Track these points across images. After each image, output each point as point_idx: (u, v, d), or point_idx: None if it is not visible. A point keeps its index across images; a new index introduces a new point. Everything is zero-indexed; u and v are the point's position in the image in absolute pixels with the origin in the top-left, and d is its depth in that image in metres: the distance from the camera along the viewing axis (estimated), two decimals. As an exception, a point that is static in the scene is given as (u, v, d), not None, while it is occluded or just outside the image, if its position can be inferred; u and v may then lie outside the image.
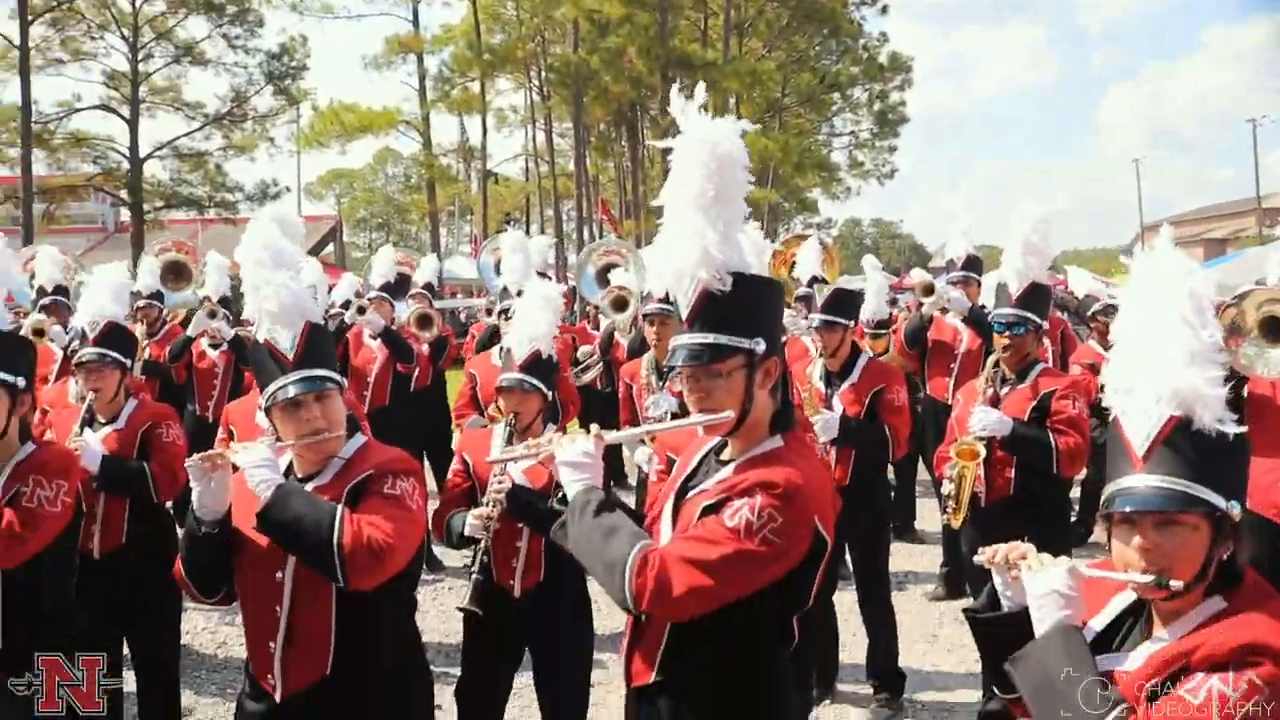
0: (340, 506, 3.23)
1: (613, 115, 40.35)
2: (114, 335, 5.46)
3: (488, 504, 4.57)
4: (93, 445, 5.21)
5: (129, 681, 5.54)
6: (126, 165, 39.36)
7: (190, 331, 9.48)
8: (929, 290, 9.24)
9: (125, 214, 45.63)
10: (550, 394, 5.03)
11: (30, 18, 36.05)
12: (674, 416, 6.04)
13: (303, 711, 3.40)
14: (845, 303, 6.64)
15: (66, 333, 8.55)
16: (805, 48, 45.56)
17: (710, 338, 2.96)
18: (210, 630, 7.66)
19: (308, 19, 42.49)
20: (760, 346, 2.97)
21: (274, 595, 3.40)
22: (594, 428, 3.17)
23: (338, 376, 3.51)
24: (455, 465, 5.07)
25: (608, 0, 35.63)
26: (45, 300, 9.40)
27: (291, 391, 3.40)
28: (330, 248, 60.43)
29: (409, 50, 40.69)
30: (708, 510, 2.90)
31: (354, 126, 40.95)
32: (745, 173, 3.08)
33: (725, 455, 3.09)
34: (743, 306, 2.99)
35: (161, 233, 40.36)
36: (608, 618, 5.75)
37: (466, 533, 4.60)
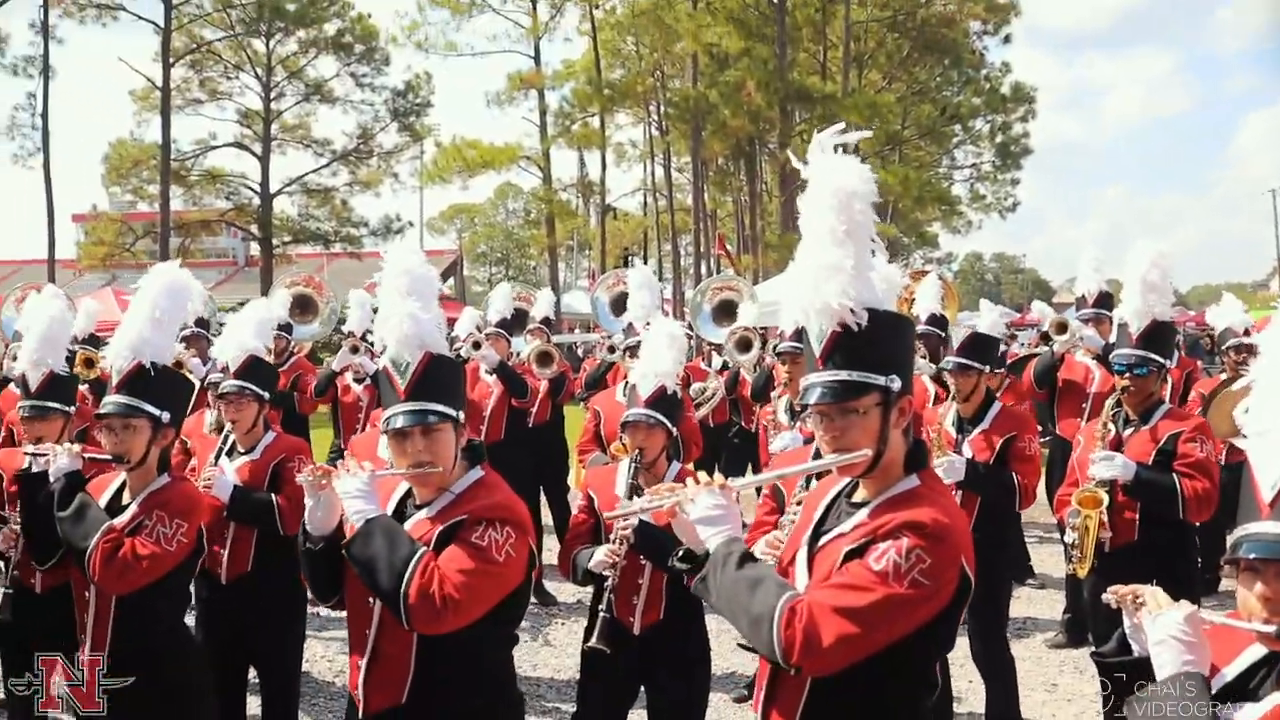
0: (419, 555, 3.22)
1: (731, 149, 40.26)
2: (255, 369, 5.60)
3: (615, 541, 4.57)
4: (227, 475, 5.37)
5: (252, 705, 5.65)
6: (257, 201, 40.70)
7: (335, 366, 9.68)
8: (1062, 328, 9.01)
9: (255, 248, 47.08)
10: (675, 430, 5.00)
11: (172, 60, 37.55)
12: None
13: None
14: (982, 346, 6.47)
15: (204, 365, 8.81)
16: (926, 79, 44.99)
17: (845, 375, 2.89)
18: (328, 659, 7.76)
19: (432, 57, 43.41)
20: (895, 384, 2.90)
21: (365, 616, 3.45)
22: (718, 477, 3.08)
23: (450, 411, 3.47)
24: (580, 502, 5.09)
25: (727, 34, 35.74)
26: (186, 332, 9.66)
27: (398, 422, 3.42)
28: (451, 282, 61.49)
29: (530, 86, 41.32)
30: (851, 555, 2.81)
31: (476, 162, 41.74)
32: (873, 208, 3.01)
33: (857, 498, 3.00)
34: (877, 343, 2.92)
35: (289, 267, 41.62)
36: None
37: (592, 568, 4.60)
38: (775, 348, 6.93)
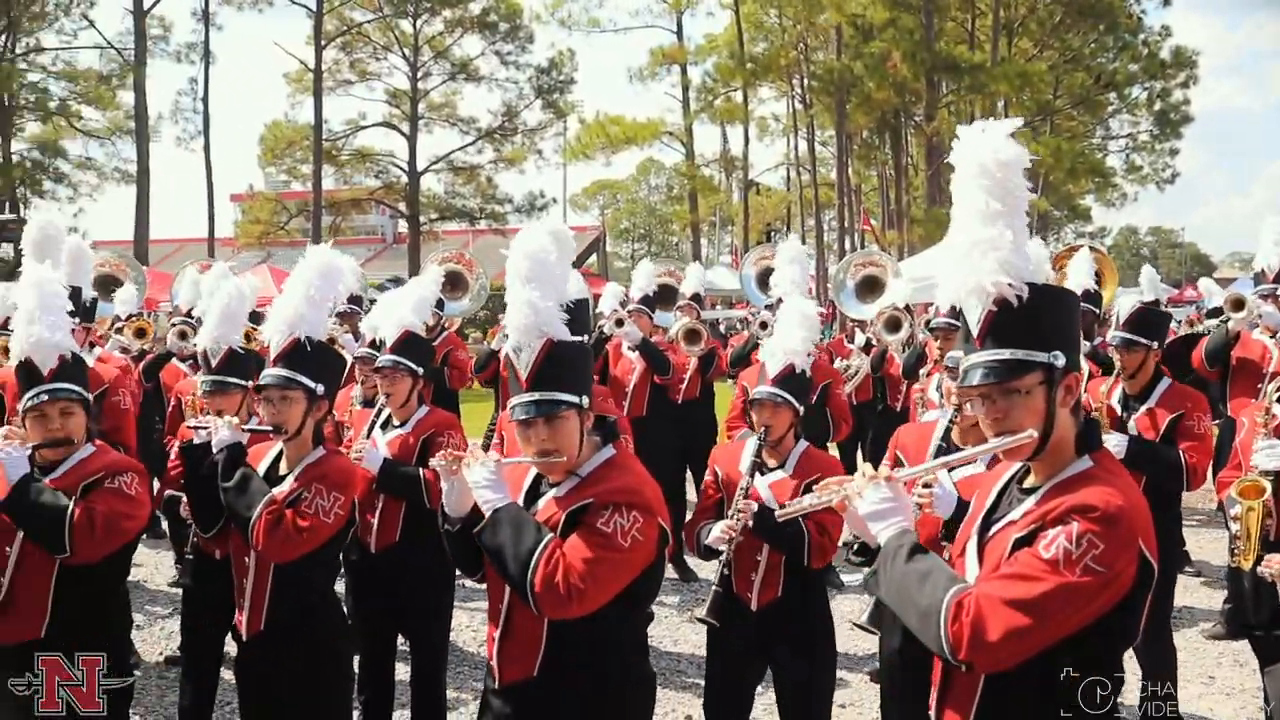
0: (544, 544, 3.25)
1: (876, 122, 39.68)
2: (410, 344, 5.71)
3: (733, 518, 4.60)
4: (379, 448, 5.50)
5: (399, 671, 5.78)
6: (405, 179, 41.56)
7: (493, 345, 9.79)
8: (1239, 304, 8.60)
9: (402, 225, 48.13)
10: (801, 409, 4.95)
11: (323, 43, 38.58)
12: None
13: (515, 703, 3.47)
14: (1151, 321, 6.19)
15: (356, 340, 9.02)
16: (1079, 46, 43.29)
17: (1006, 353, 2.78)
18: (473, 629, 7.89)
19: (575, 34, 43.80)
20: (1059, 360, 2.77)
21: (500, 590, 3.50)
22: (884, 468, 3.02)
23: (573, 398, 3.43)
24: (708, 477, 5.10)
25: (871, 4, 35.09)
26: (339, 309, 9.86)
27: (520, 413, 3.43)
28: (594, 258, 61.96)
29: (673, 62, 41.39)
30: (1019, 544, 2.70)
31: (619, 138, 42.00)
32: (1025, 179, 2.90)
33: (1028, 483, 2.88)
34: (1038, 319, 2.79)
35: (436, 244, 42.48)
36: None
37: (709, 544, 4.63)
38: (929, 323, 6.78)
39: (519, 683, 3.47)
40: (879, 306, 11.15)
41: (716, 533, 4.58)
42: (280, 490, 4.04)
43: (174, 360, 9.01)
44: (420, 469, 5.44)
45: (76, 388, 4.20)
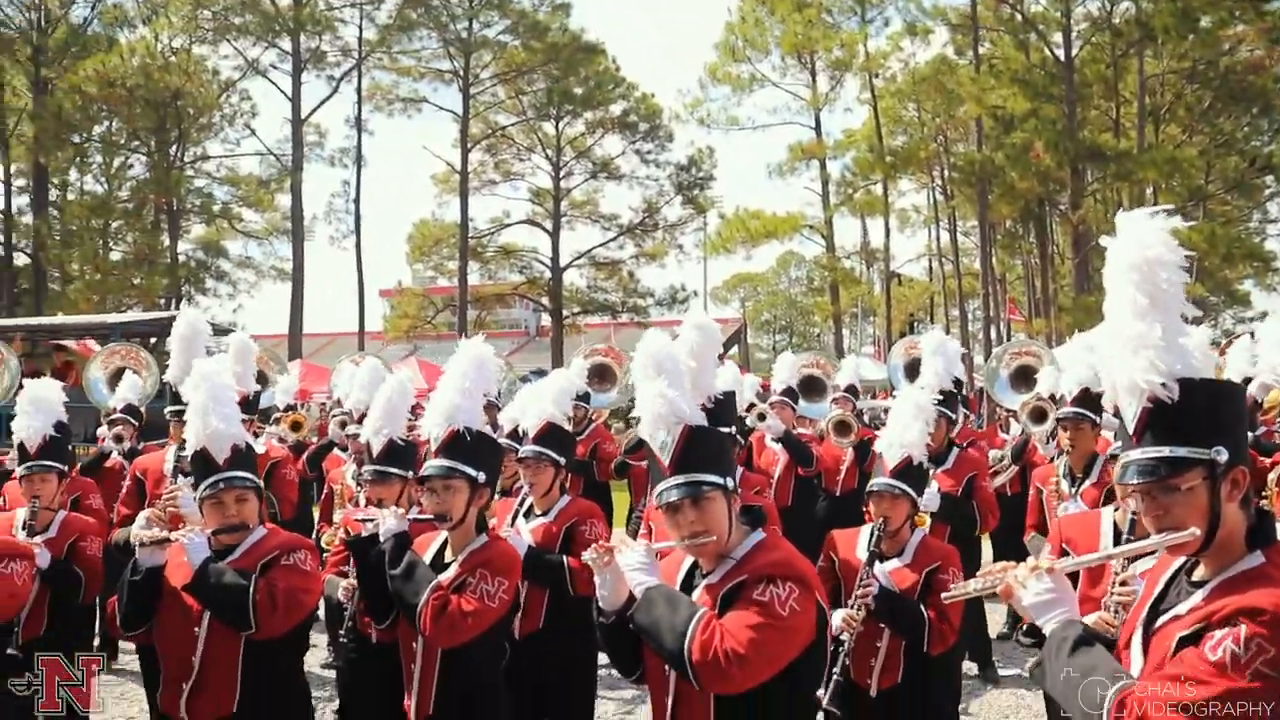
0: (700, 614, 3.26)
1: (1020, 211, 39.13)
2: (552, 434, 5.82)
3: (853, 606, 4.62)
4: (523, 536, 5.58)
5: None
6: (548, 274, 42.40)
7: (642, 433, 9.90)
8: None
9: (545, 319, 48.98)
10: (919, 501, 4.99)
11: (469, 145, 39.93)
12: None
13: None
14: None
15: (495, 431, 9.22)
16: (1231, 129, 42.20)
17: (1164, 451, 2.74)
18: (619, 717, 7.87)
19: (714, 132, 44.37)
20: (1222, 455, 2.71)
21: (663, 686, 3.50)
22: (1044, 559, 3.01)
23: (718, 479, 3.48)
24: (822, 562, 5.08)
25: (1011, 96, 34.79)
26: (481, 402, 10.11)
27: (667, 497, 3.47)
28: (735, 350, 62.06)
29: (812, 156, 41.58)
30: (1184, 642, 2.64)
31: (759, 232, 42.24)
32: (1181, 272, 2.87)
33: (1197, 575, 2.82)
34: (1197, 414, 2.75)
35: (578, 337, 43.13)
36: None
37: (833, 633, 4.55)
38: (1058, 414, 6.69)
39: None
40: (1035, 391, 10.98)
41: (837, 621, 4.55)
42: (445, 576, 4.16)
43: (335, 449, 9.31)
44: (564, 556, 5.51)
45: (250, 475, 4.40)
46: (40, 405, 6.02)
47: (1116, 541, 4.49)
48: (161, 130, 36.47)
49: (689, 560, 3.61)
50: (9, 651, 5.07)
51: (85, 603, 6.37)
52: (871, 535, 4.86)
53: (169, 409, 6.51)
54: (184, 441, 5.91)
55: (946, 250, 46.21)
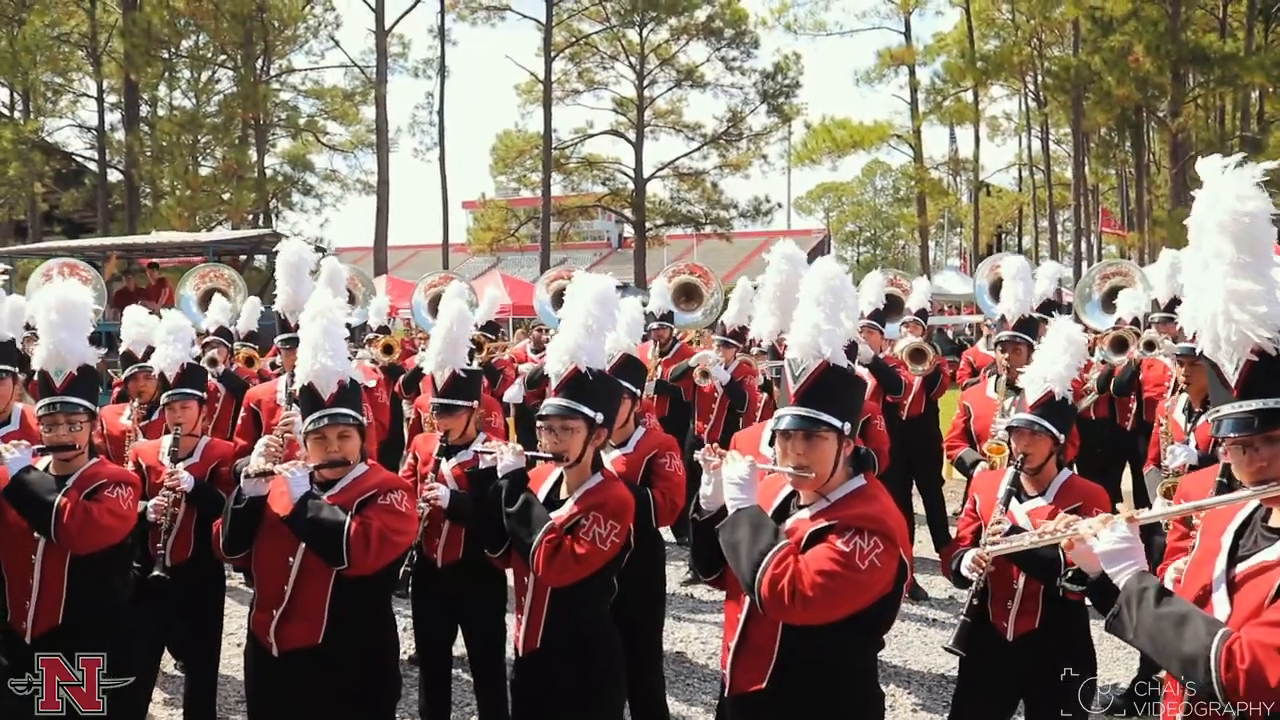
0: (778, 547, 3.35)
1: (1115, 119, 37.96)
2: (626, 366, 5.78)
3: (984, 547, 4.47)
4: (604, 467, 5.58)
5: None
6: (631, 185, 42.24)
7: (691, 362, 9.88)
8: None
9: (628, 230, 48.97)
10: (1061, 437, 4.80)
11: (553, 54, 39.65)
12: (1192, 468, 5.64)
13: (746, 712, 3.62)
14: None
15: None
16: (1348, 31, 40.47)
17: (1271, 402, 2.75)
18: (702, 641, 7.92)
19: (801, 37, 43.62)
20: None
21: (739, 601, 3.63)
22: (1123, 509, 3.02)
23: (836, 422, 3.51)
24: (967, 505, 5.05)
25: (1112, -4, 33.60)
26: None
27: (783, 423, 3.54)
28: (818, 261, 61.60)
29: (901, 63, 40.79)
30: None
31: (845, 142, 41.70)
32: (1273, 225, 2.82)
33: (1275, 522, 2.84)
34: None
35: (660, 249, 43.07)
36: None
37: (963, 572, 4.56)
38: (1176, 347, 6.52)
39: (750, 693, 3.58)
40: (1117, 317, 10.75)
41: (968, 560, 4.51)
42: (560, 515, 4.20)
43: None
44: (647, 489, 5.51)
45: (353, 413, 4.48)
46: (177, 335, 6.18)
47: (1224, 487, 4.39)
48: (248, 44, 36.67)
49: (788, 486, 3.67)
50: (156, 573, 5.27)
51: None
52: (1010, 474, 4.76)
53: (278, 338, 6.64)
54: (295, 370, 6.09)
55: (1037, 159, 45.25)
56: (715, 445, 3.78)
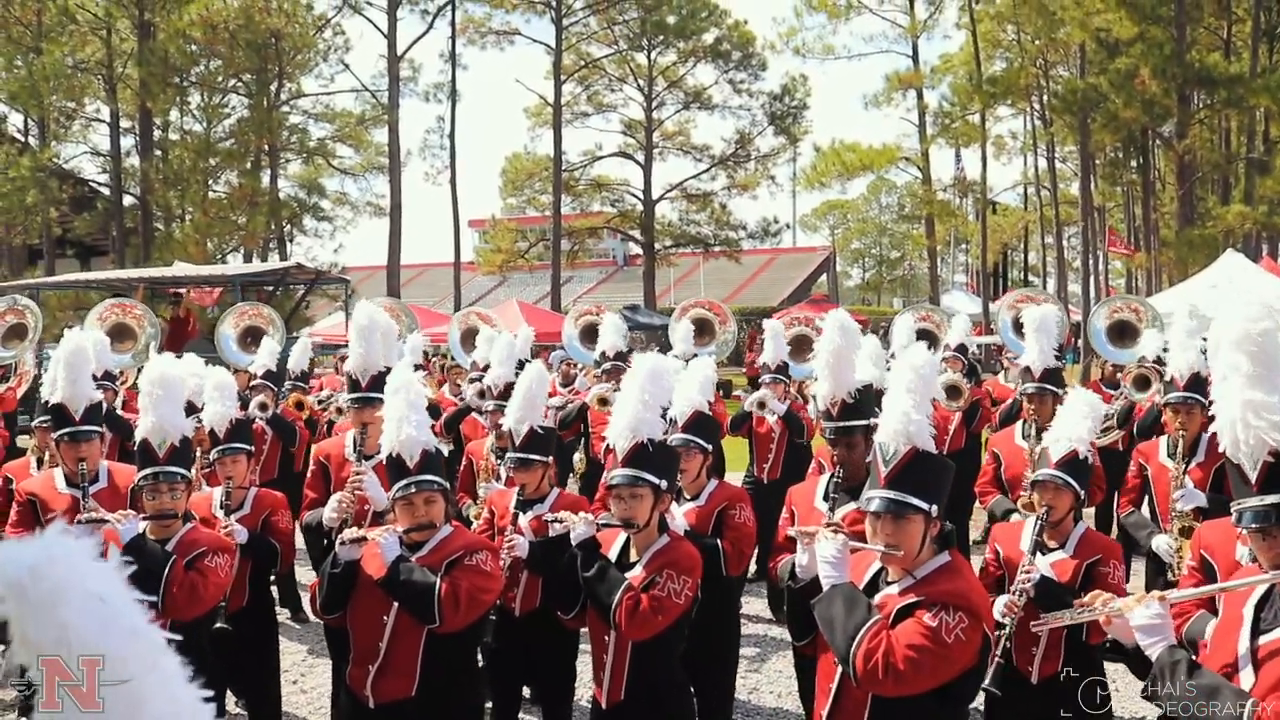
0: (872, 622, 3.62)
1: (1122, 140, 38.23)
2: (700, 423, 6.11)
3: (1015, 593, 4.82)
4: (677, 519, 5.84)
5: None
6: (640, 206, 42.51)
7: (746, 406, 10.07)
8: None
9: (632, 247, 49.20)
10: (1082, 494, 5.13)
11: (562, 77, 39.96)
12: (1204, 514, 5.93)
13: None
14: (1204, 381, 6.34)
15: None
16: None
17: None
18: (771, 685, 8.17)
19: (809, 60, 43.89)
20: None
21: (830, 666, 3.90)
22: (1155, 592, 3.37)
23: (924, 505, 3.77)
24: (988, 554, 5.36)
25: (1117, 19, 33.76)
26: (606, 365, 10.35)
27: (873, 505, 3.80)
28: (823, 279, 61.79)
29: (909, 86, 41.02)
30: None
31: (855, 165, 41.98)
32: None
33: None
34: None
35: (669, 269, 43.35)
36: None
37: (996, 617, 4.78)
38: (1164, 397, 6.83)
39: None
40: (1132, 356, 10.99)
41: (1000, 606, 4.78)
42: (635, 576, 4.49)
43: (471, 413, 9.59)
44: (717, 540, 5.82)
45: (438, 479, 4.79)
46: (224, 391, 6.49)
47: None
48: (261, 71, 36.98)
49: (877, 561, 3.93)
50: (219, 625, 5.58)
51: (282, 572, 6.96)
52: (1034, 526, 5.06)
53: (347, 396, 6.94)
54: (364, 426, 6.39)
55: (1043, 177, 45.46)
56: (806, 527, 4.12)
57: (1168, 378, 6.97)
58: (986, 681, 4.77)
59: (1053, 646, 4.94)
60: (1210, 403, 6.33)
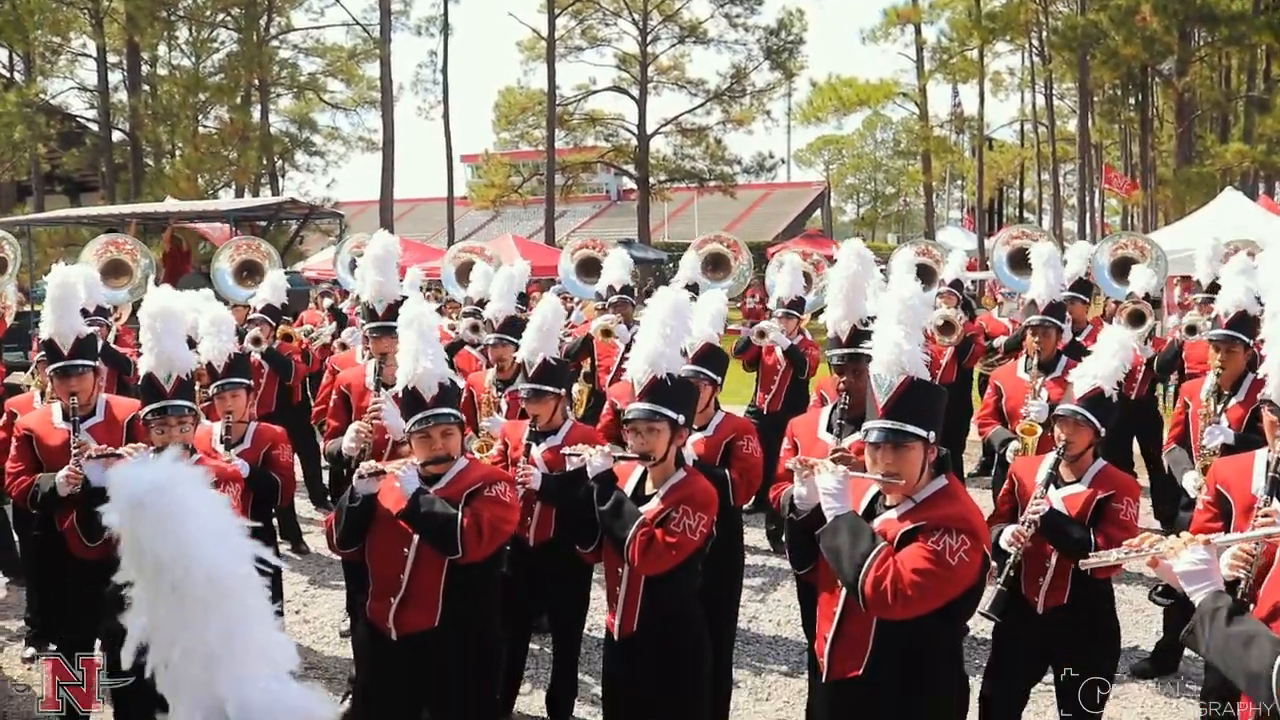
0: (878, 550, 3.67)
1: (1121, 77, 37.90)
2: (710, 355, 6.09)
3: (1024, 524, 4.88)
4: (688, 450, 5.80)
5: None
6: (634, 141, 42.19)
7: (746, 334, 10.06)
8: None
9: (626, 182, 48.93)
10: (1102, 430, 5.11)
11: (556, 11, 39.49)
12: (1226, 450, 5.93)
13: (843, 698, 3.94)
14: (1248, 320, 6.36)
15: (629, 329, 9.46)
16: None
17: None
18: (769, 613, 8.25)
19: (806, -6, 43.59)
20: None
21: (835, 596, 3.94)
22: (1184, 535, 3.33)
23: (921, 432, 3.83)
24: (1005, 485, 5.38)
25: (1118, -47, 33.43)
26: (614, 299, 10.27)
27: (873, 436, 3.87)
28: (818, 215, 61.58)
29: (907, 21, 40.60)
30: None
31: (851, 101, 41.70)
32: None
33: None
34: None
35: (663, 204, 43.12)
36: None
37: (1002, 546, 4.89)
38: (1214, 332, 6.76)
39: (848, 679, 3.90)
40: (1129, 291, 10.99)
41: (1007, 535, 4.86)
42: (649, 510, 4.49)
43: (465, 347, 9.54)
44: (725, 470, 5.84)
45: (454, 412, 4.78)
46: (222, 326, 6.44)
47: (1268, 482, 4.68)
48: (250, 5, 36.53)
49: (874, 487, 3.98)
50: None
51: (283, 505, 6.96)
52: (1052, 459, 5.09)
53: (368, 325, 6.94)
54: (383, 355, 6.38)
55: (1041, 114, 45.14)
56: (804, 458, 4.11)
57: (1214, 314, 6.93)
58: (988, 608, 4.84)
59: (1059, 578, 4.97)
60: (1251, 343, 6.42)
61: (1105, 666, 5.09)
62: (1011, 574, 4.87)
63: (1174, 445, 6.86)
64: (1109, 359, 5.14)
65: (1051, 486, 5.01)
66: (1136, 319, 9.76)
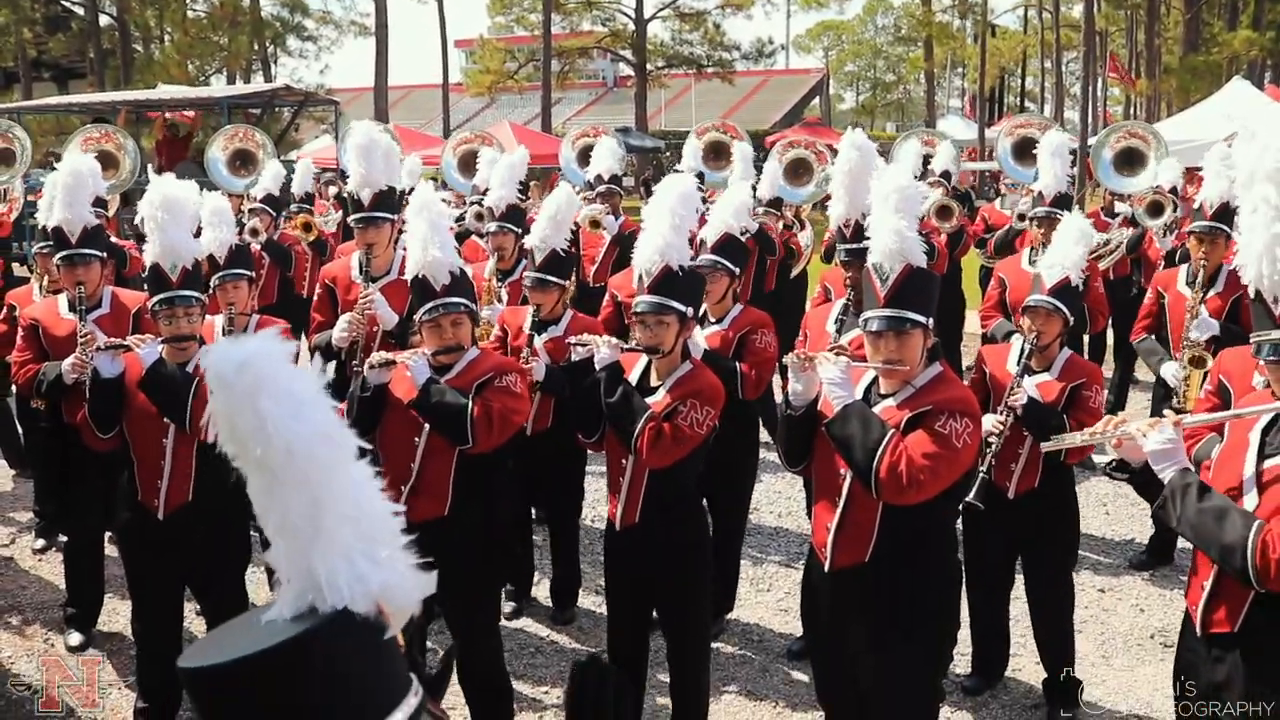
0: (889, 436, 3.71)
1: (1128, -41, 37.19)
2: (729, 245, 6.03)
3: (1002, 413, 5.02)
4: (698, 341, 5.70)
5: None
6: (631, 25, 41.50)
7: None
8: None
9: (622, 68, 48.21)
10: (1071, 320, 5.24)
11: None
12: (1217, 344, 5.96)
13: (846, 586, 3.99)
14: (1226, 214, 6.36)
15: (617, 219, 9.37)
16: None
17: None
18: (772, 506, 8.34)
19: None
20: None
21: (837, 487, 3.98)
22: (1169, 414, 3.47)
23: (921, 318, 3.86)
24: (974, 375, 5.48)
25: None
26: (602, 188, 10.14)
27: (874, 325, 3.88)
28: (816, 102, 60.85)
29: (910, -100, 39.69)
30: None
31: (854, -18, 40.76)
32: None
33: None
34: None
35: (661, 90, 42.52)
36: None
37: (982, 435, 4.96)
38: (1191, 225, 6.81)
39: (851, 567, 3.96)
40: (1140, 184, 10.90)
41: (987, 425, 4.91)
42: (656, 402, 4.50)
43: (471, 237, 9.45)
44: (737, 363, 5.78)
45: (465, 300, 4.75)
46: (221, 216, 6.33)
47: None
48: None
49: (868, 375, 4.04)
50: None
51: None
52: (1023, 350, 5.20)
53: (352, 217, 6.83)
54: (369, 246, 6.32)
55: (1045, -1, 44.28)
56: (803, 350, 4.10)
57: (1196, 205, 6.92)
58: (971, 496, 4.93)
59: (1031, 464, 5.15)
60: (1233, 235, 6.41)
61: (1071, 539, 5.40)
62: (992, 461, 5.02)
63: (1144, 335, 6.89)
64: (1073, 246, 5.23)
65: (1025, 376, 5.14)
66: (1156, 209, 9.73)
